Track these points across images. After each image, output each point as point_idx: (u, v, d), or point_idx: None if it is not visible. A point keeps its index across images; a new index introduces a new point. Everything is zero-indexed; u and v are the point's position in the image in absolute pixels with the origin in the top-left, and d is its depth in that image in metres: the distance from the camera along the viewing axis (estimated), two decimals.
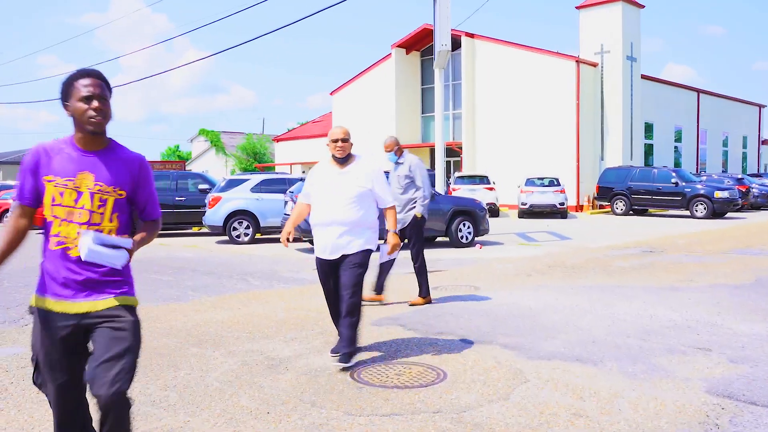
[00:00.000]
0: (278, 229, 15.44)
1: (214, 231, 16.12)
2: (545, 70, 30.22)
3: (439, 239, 14.97)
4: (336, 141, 5.07)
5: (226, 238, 16.02)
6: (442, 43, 17.05)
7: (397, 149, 7.95)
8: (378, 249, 5.39)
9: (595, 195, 27.39)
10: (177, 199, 17.91)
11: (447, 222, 14.03)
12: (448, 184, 24.35)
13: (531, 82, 30.54)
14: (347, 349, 4.97)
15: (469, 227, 14.23)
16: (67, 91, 2.75)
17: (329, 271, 5.13)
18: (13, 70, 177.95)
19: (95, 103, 2.71)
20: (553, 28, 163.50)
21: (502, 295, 8.13)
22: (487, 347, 5.56)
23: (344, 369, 4.89)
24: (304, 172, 39.77)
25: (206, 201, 16.37)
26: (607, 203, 26.81)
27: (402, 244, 5.44)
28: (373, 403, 4.21)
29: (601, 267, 10.72)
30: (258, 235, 16.13)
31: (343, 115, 38.65)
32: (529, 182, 25.32)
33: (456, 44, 30.23)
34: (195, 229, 19.34)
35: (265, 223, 15.84)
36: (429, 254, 12.93)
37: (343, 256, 5.01)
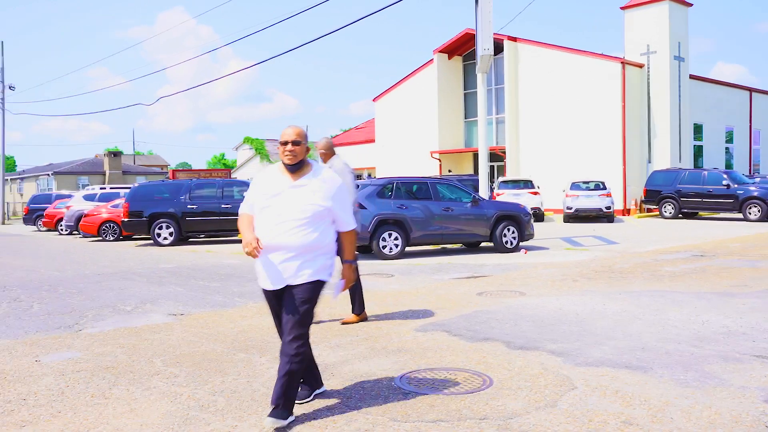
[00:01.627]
0: None
1: None
2: (589, 73, 29.81)
3: (483, 245, 14.87)
4: (285, 144, 4.01)
5: None
6: (484, 47, 16.96)
7: (326, 153, 7.26)
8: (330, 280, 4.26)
9: (643, 198, 26.87)
10: (223, 206, 18.22)
11: (491, 227, 13.93)
12: (491, 189, 24.20)
13: (575, 84, 30.16)
14: (281, 402, 3.94)
15: (513, 232, 14.11)
16: None
17: (277, 304, 4.17)
18: (66, 84, 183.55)
19: None
20: (596, 30, 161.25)
21: (548, 300, 8.03)
22: (533, 353, 5.50)
23: (278, 429, 3.90)
24: None
25: None
26: (655, 206, 26.26)
27: (354, 279, 4.38)
28: (418, 409, 4.20)
29: (649, 272, 10.50)
30: None
31: (385, 122, 38.78)
32: (575, 186, 24.98)
33: (498, 48, 30.06)
34: (240, 236, 19.59)
35: None
36: (473, 259, 12.93)
37: (287, 286, 4.04)
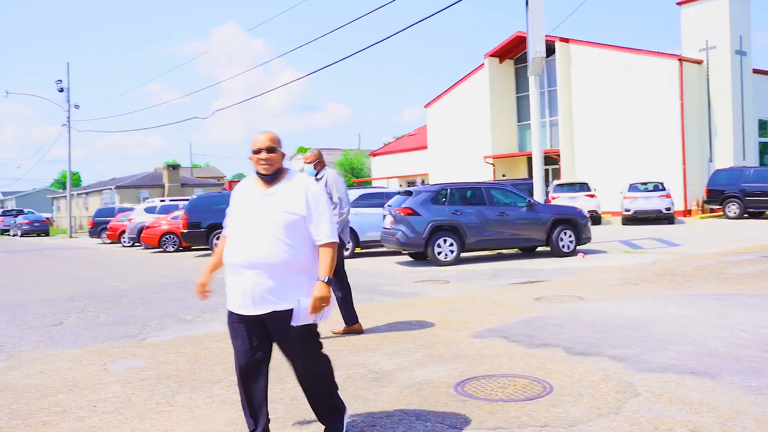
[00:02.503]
0: (377, 243, 15.61)
1: None
2: (645, 71, 29.13)
3: (539, 249, 14.68)
4: (259, 152, 3.53)
5: None
6: (535, 49, 16.79)
7: (317, 162, 7.14)
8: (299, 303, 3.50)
9: (705, 198, 26.06)
10: None
11: (547, 231, 13.75)
12: (546, 193, 23.87)
13: (630, 84, 29.51)
14: (333, 421, 3.77)
15: (570, 236, 13.88)
16: None
17: (247, 332, 3.53)
18: (127, 101, 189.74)
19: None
20: (651, 27, 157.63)
21: (608, 305, 7.86)
22: (594, 359, 5.39)
23: None
24: (401, 185, 40.06)
25: None
26: (718, 207, 25.43)
27: (332, 303, 3.52)
28: (477, 416, 4.16)
29: (714, 274, 10.17)
30: (357, 249, 16.34)
31: (437, 128, 38.72)
32: (633, 188, 24.43)
33: (550, 50, 29.69)
34: None
35: (364, 237, 16.05)
36: (530, 264, 12.77)
37: (273, 313, 3.45)
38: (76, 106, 44.35)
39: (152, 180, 58.98)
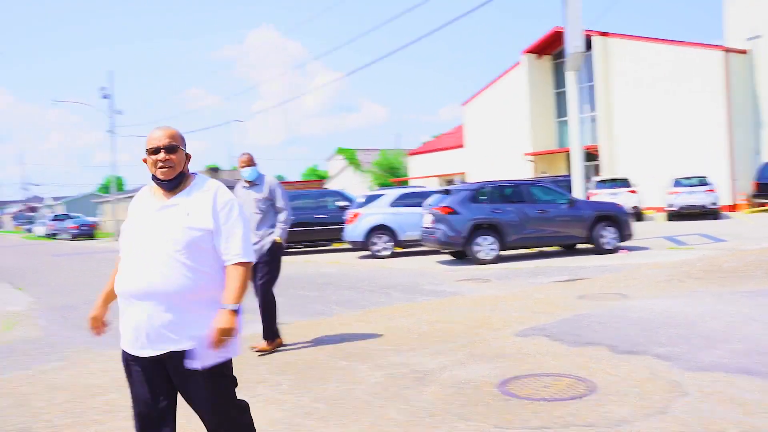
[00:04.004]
0: (417, 243, 15.60)
1: (355, 246, 16.58)
2: (687, 63, 28.49)
3: (581, 246, 14.48)
4: (156, 151, 2.81)
5: (366, 252, 16.39)
6: (574, 44, 16.59)
7: (255, 165, 6.62)
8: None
9: (753, 192, 25.37)
10: (317, 216, 18.59)
11: (589, 228, 13.56)
12: (587, 189, 23.53)
13: (672, 76, 28.89)
14: None
15: (612, 232, 13.67)
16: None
17: (144, 376, 2.80)
18: (166, 106, 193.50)
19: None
20: (692, 18, 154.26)
21: (653, 302, 7.72)
22: (639, 357, 5.30)
23: None
24: (440, 184, 39.96)
25: (345, 217, 16.85)
26: (767, 200, 24.74)
27: (236, 333, 2.75)
28: (521, 415, 4.13)
29: (764, 270, 9.90)
30: (397, 249, 16.36)
31: (475, 126, 38.52)
32: (676, 183, 23.94)
33: (588, 45, 29.26)
34: (336, 245, 19.94)
35: (404, 236, 16.05)
36: (571, 262, 12.61)
37: (171, 354, 2.74)
38: (119, 112, 45.31)
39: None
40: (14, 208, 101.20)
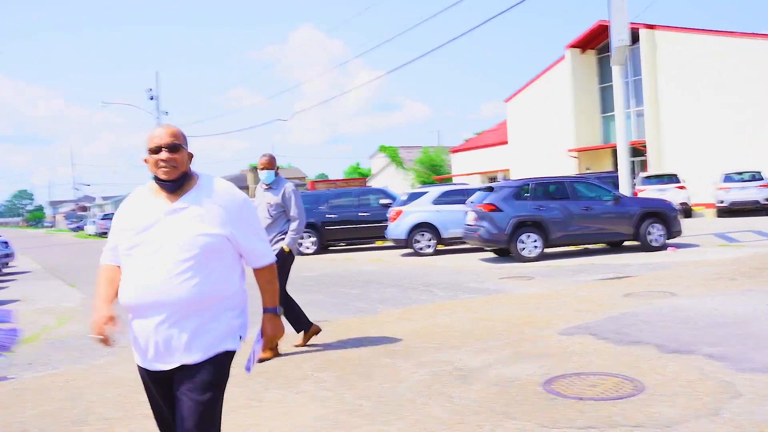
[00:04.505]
0: (460, 240, 15.54)
1: (398, 244, 16.60)
2: (738, 55, 27.69)
3: (627, 244, 14.23)
4: (157, 150, 2.65)
5: (409, 250, 16.39)
6: (619, 38, 16.28)
7: (276, 169, 6.48)
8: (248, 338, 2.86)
9: None
10: (360, 214, 18.65)
11: (635, 225, 13.30)
12: (633, 186, 23.10)
13: (722, 68, 28.11)
14: None
15: (660, 229, 13.38)
16: None
17: (159, 390, 2.72)
18: (209, 106, 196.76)
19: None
20: (742, 7, 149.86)
21: (702, 301, 7.54)
22: (689, 357, 5.18)
23: None
24: (482, 181, 39.70)
25: (388, 215, 16.88)
26: None
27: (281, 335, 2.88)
28: (567, 415, 4.08)
29: None
30: (440, 247, 16.31)
31: (518, 122, 38.16)
32: (727, 178, 23.30)
33: (634, 38, 28.68)
34: (378, 243, 19.98)
35: (446, 234, 16.00)
36: (617, 259, 12.39)
37: (182, 368, 2.61)
38: (166, 113, 46.19)
39: (237, 182, 60.67)
40: (67, 208, 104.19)
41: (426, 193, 16.79)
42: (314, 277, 12.50)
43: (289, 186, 6.40)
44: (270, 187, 6.41)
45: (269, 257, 2.82)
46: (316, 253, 18.48)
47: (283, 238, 6.29)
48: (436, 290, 9.94)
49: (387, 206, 18.09)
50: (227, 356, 2.70)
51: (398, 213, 16.27)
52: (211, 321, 2.63)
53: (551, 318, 7.14)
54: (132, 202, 2.75)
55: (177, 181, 2.65)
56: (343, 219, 18.75)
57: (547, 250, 13.37)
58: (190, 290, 2.55)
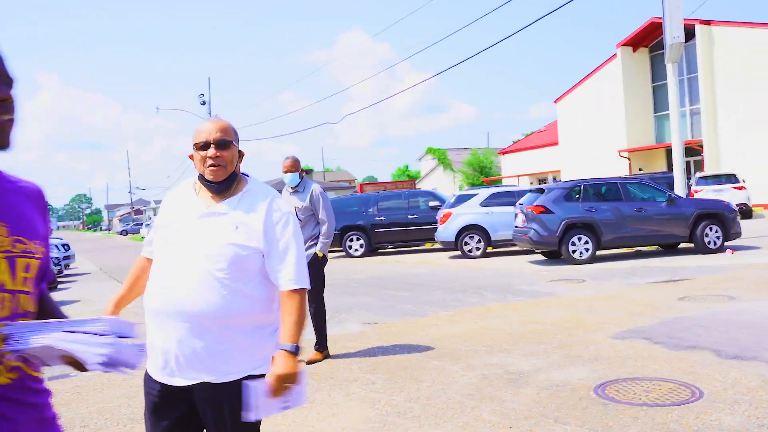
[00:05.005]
0: (509, 242, 15.39)
1: (446, 246, 16.53)
2: None
3: (682, 246, 13.87)
4: (205, 146, 2.39)
5: (457, 252, 16.31)
6: (673, 35, 15.90)
7: (301, 171, 6.23)
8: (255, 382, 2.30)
9: None
10: (409, 216, 18.65)
11: (691, 227, 12.95)
12: (688, 186, 22.50)
13: None
14: None
15: (717, 231, 13.00)
16: None
17: (164, 408, 2.37)
18: (261, 110, 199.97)
19: None
20: None
21: (763, 305, 7.29)
22: (749, 364, 5.01)
23: None
24: (532, 183, 39.26)
25: (437, 217, 16.83)
26: None
27: (300, 379, 2.30)
28: (620, 420, 3.99)
29: None
30: (489, 249, 16.19)
31: (568, 123, 37.60)
32: None
33: (689, 34, 27.95)
34: (427, 245, 19.94)
35: (496, 236, 15.87)
36: (672, 262, 12.09)
37: (204, 384, 2.30)
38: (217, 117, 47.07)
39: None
40: (123, 211, 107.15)
41: (475, 195, 16.69)
42: (363, 280, 12.55)
43: (316, 187, 6.19)
44: (296, 190, 6.18)
45: (301, 281, 2.37)
46: (364, 255, 18.55)
47: (315, 243, 6.09)
48: (485, 293, 9.86)
49: (436, 208, 18.04)
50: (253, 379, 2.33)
51: (447, 215, 16.21)
52: (240, 340, 2.31)
53: (603, 321, 7.01)
54: (174, 197, 2.52)
55: (224, 183, 2.39)
56: (392, 221, 18.76)
57: (599, 253, 13.14)
58: (216, 303, 2.26)
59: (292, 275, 2.35)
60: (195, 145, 2.40)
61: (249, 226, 2.33)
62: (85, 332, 1.48)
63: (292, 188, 6.21)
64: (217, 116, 2.53)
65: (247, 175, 2.51)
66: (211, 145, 2.36)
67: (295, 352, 2.29)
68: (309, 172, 60.77)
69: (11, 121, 1.51)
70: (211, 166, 2.36)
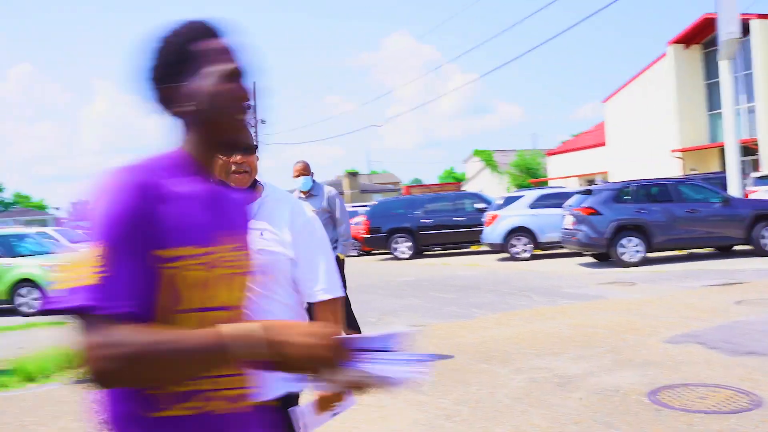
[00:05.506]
0: (558, 245, 15.20)
1: (493, 248, 16.41)
2: None
3: (737, 248, 13.48)
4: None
5: (505, 255, 16.18)
6: (728, 31, 15.50)
7: (313, 174, 6.16)
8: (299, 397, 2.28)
9: None
10: (455, 218, 18.58)
11: (747, 228, 12.58)
12: (744, 186, 21.85)
13: None
14: None
15: None
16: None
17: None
18: (306, 113, 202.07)
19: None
20: None
21: None
22: None
23: None
24: (580, 185, 38.70)
25: (484, 219, 16.73)
26: None
27: (346, 393, 2.02)
28: (674, 427, 3.91)
29: None
30: (537, 251, 16.02)
31: (617, 123, 36.95)
32: None
33: (744, 30, 27.17)
34: (474, 248, 19.83)
35: (543, 238, 15.69)
36: (727, 265, 11.76)
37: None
38: (263, 122, 47.69)
39: (333, 187, 61.73)
40: None
41: (522, 196, 16.54)
42: (410, 282, 12.55)
43: (331, 189, 6.22)
44: (309, 194, 6.08)
45: (335, 290, 2.26)
46: (411, 257, 18.55)
47: (335, 247, 6.02)
48: (533, 295, 9.76)
49: (482, 210, 17.94)
50: (292, 399, 2.21)
51: (494, 217, 16.10)
52: None
53: (655, 325, 6.86)
54: None
55: (248, 190, 2.28)
56: (438, 223, 18.72)
57: (650, 255, 12.86)
58: (250, 311, 2.00)
59: (324, 284, 2.26)
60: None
61: (274, 233, 2.24)
62: (379, 349, 1.27)
63: (304, 193, 6.11)
64: None
65: (265, 183, 2.42)
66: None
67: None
68: (355, 174, 61.14)
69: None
70: (235, 172, 2.24)
